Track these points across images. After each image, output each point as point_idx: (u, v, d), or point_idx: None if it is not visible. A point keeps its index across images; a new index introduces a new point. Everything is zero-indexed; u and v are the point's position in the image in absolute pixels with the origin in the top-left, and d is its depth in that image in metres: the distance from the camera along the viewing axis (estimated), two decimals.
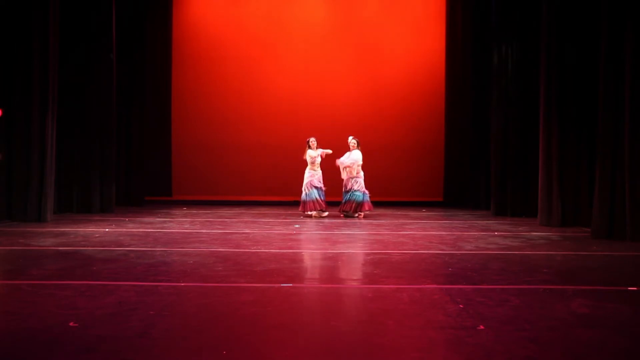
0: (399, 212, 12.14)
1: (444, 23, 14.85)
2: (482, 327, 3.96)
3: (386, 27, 15.36)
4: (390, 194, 14.37)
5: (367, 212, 11.06)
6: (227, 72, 15.42)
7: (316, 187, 10.99)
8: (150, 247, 7.26)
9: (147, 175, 13.97)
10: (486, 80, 12.73)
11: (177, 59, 15.38)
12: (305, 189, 11.03)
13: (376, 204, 11.73)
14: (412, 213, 12.15)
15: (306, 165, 11.16)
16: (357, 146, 11.00)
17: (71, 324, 3.95)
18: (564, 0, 9.65)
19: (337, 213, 11.19)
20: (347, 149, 11.10)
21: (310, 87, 15.34)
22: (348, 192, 10.98)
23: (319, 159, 11.10)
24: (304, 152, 11.21)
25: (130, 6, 13.11)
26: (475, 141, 13.36)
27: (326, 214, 11.07)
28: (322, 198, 11.02)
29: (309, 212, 10.99)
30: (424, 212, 12.41)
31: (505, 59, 11.69)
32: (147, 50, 14.07)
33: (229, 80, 15.41)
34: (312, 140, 11.15)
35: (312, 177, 11.03)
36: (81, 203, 11.39)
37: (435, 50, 15.12)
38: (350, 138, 11.11)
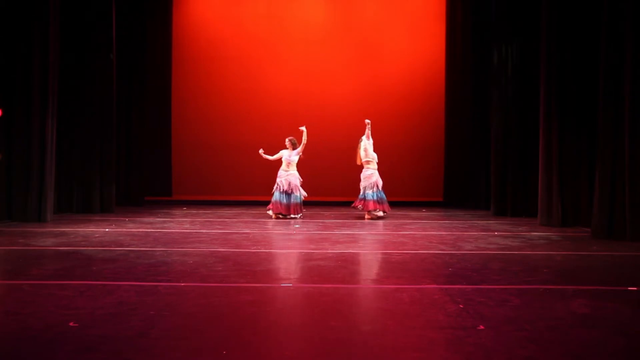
0: (399, 212, 12.14)
1: (444, 23, 14.83)
2: (482, 327, 3.96)
3: (386, 27, 15.36)
4: (390, 194, 14.29)
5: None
6: (227, 72, 15.42)
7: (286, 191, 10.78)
8: (150, 247, 7.26)
9: (147, 175, 13.99)
10: (486, 80, 12.73)
11: (177, 59, 15.39)
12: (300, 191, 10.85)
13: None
14: (412, 213, 12.15)
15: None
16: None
17: (71, 324, 3.95)
18: (564, 0, 9.66)
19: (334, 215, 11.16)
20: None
21: (310, 87, 15.34)
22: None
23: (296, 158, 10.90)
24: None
25: (130, 6, 13.12)
26: (475, 141, 13.37)
27: (297, 216, 10.82)
28: (285, 202, 10.77)
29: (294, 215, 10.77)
30: (424, 212, 12.41)
31: (505, 59, 11.69)
32: (147, 50, 14.08)
33: (229, 80, 15.42)
34: (286, 141, 11.01)
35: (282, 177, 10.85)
36: (81, 203, 11.39)
37: (435, 50, 15.12)
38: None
